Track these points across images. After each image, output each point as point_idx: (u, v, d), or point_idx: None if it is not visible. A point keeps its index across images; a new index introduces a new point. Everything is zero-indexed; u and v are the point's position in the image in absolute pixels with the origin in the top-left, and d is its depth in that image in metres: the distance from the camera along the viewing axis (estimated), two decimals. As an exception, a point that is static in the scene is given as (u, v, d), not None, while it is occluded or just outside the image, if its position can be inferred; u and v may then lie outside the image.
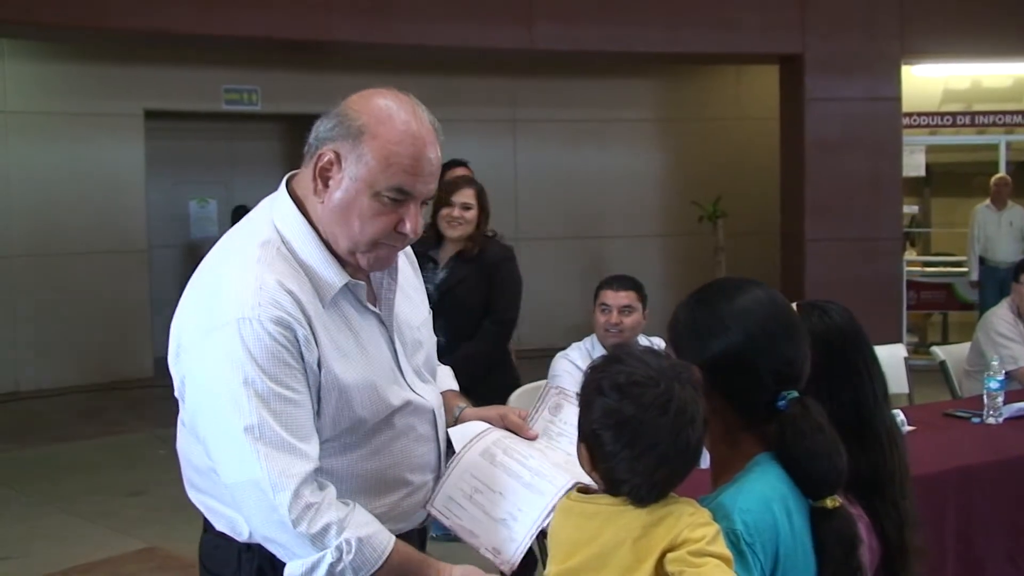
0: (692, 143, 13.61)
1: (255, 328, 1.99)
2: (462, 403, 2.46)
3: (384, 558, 2.01)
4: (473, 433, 2.31)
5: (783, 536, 1.77)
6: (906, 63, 11.56)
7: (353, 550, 1.99)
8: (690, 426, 1.75)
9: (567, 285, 12.63)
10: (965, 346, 6.07)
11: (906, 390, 5.74)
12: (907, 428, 3.93)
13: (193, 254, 13.64)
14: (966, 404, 4.94)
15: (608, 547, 1.76)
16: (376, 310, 2.23)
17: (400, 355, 2.25)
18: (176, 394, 2.18)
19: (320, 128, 2.15)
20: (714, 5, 11.05)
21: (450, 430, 2.36)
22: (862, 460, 2.18)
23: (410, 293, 2.37)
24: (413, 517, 2.27)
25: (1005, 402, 4.55)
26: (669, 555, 1.70)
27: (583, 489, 1.89)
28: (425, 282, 2.61)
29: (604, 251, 13.26)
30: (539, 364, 5.37)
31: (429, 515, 2.28)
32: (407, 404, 2.23)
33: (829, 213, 11.10)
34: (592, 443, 1.80)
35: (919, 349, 10.74)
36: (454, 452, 2.30)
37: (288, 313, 2.02)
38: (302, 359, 2.03)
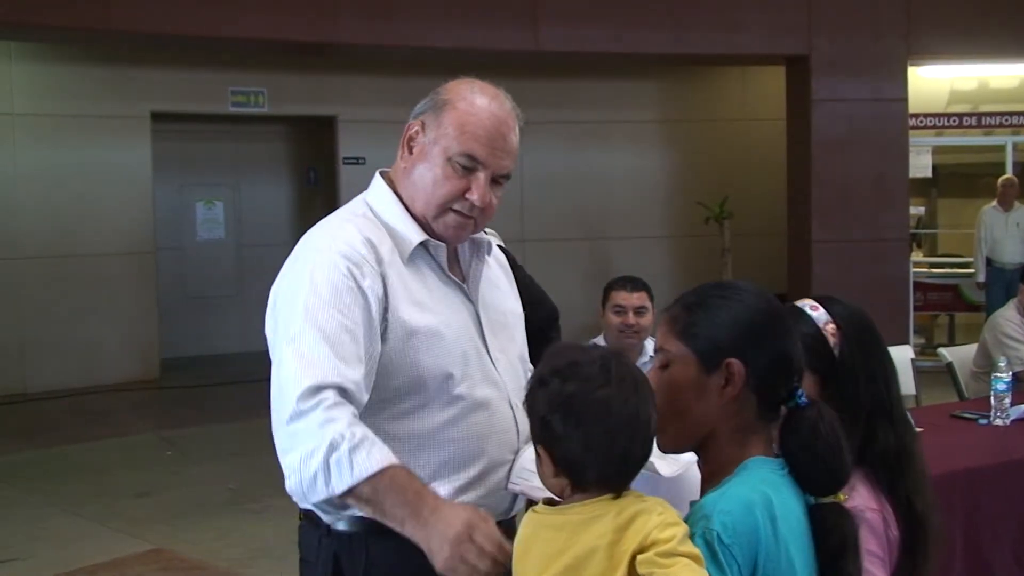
0: (698, 144, 13.61)
1: (323, 259, 2.15)
2: None
3: (381, 466, 1.97)
4: None
5: (764, 542, 1.74)
6: (912, 64, 11.55)
7: (356, 442, 1.97)
8: (635, 393, 1.75)
9: (573, 287, 12.61)
10: (972, 347, 6.06)
11: (913, 391, 5.73)
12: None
13: (200, 256, 13.67)
14: (973, 405, 4.93)
15: (581, 557, 1.74)
16: (459, 281, 2.34)
17: (485, 328, 2.33)
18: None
19: (416, 109, 2.35)
20: (720, 6, 11.05)
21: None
22: (891, 435, 2.29)
23: (499, 284, 2.48)
24: (497, 500, 2.28)
25: (1012, 403, 4.55)
26: (639, 557, 1.69)
27: (548, 501, 1.84)
28: None
29: (610, 253, 13.26)
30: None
31: (515, 504, 2.32)
32: (488, 376, 2.29)
33: (835, 214, 11.09)
34: (546, 437, 1.78)
35: (926, 350, 10.73)
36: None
37: (358, 252, 2.16)
38: (365, 296, 2.13)
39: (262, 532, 6.20)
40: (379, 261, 2.18)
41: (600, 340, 4.79)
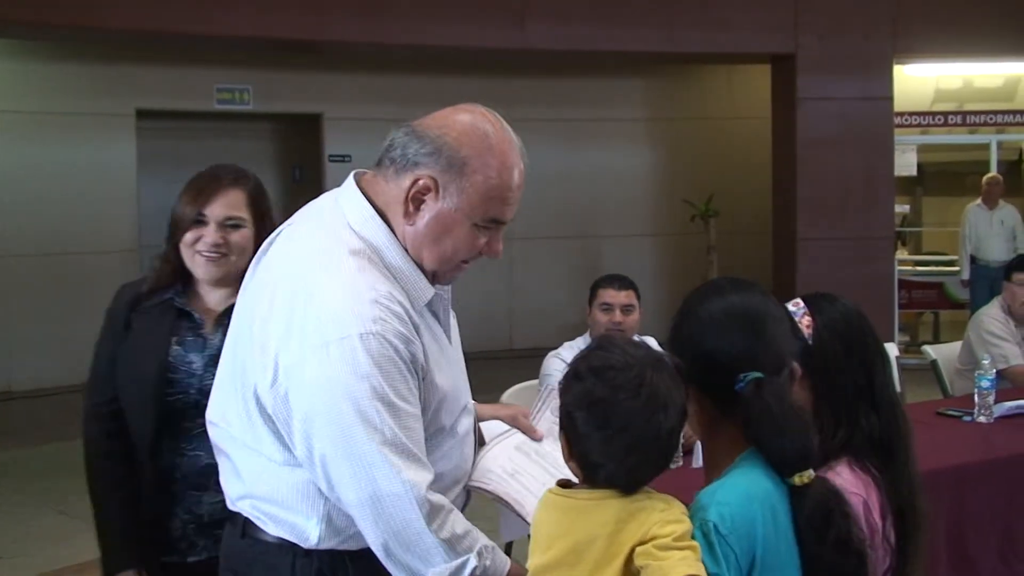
0: (684, 142, 13.62)
1: (380, 343, 1.98)
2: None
3: (507, 567, 2.09)
4: (500, 431, 2.44)
5: (763, 534, 1.78)
6: (898, 63, 11.58)
7: (491, 557, 2.05)
8: (662, 412, 1.79)
9: (559, 284, 12.65)
10: (956, 345, 6.09)
11: (898, 389, 5.74)
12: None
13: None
14: (958, 403, 4.96)
15: (582, 541, 1.79)
16: (443, 328, 2.27)
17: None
18: (227, 412, 2.20)
19: (410, 149, 2.13)
20: (707, 5, 11.06)
21: (480, 424, 2.45)
22: (875, 422, 2.37)
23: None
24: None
25: (996, 401, 4.57)
26: (637, 549, 1.74)
27: (563, 483, 1.90)
28: (185, 357, 2.80)
29: (596, 250, 13.27)
30: (531, 363, 5.38)
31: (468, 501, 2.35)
32: (468, 407, 2.31)
33: (821, 212, 11.12)
34: (567, 426, 1.84)
35: (910, 348, 10.78)
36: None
37: (406, 328, 2.03)
38: (416, 374, 2.05)
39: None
40: (416, 330, 2.06)
41: (586, 337, 4.81)
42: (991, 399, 4.54)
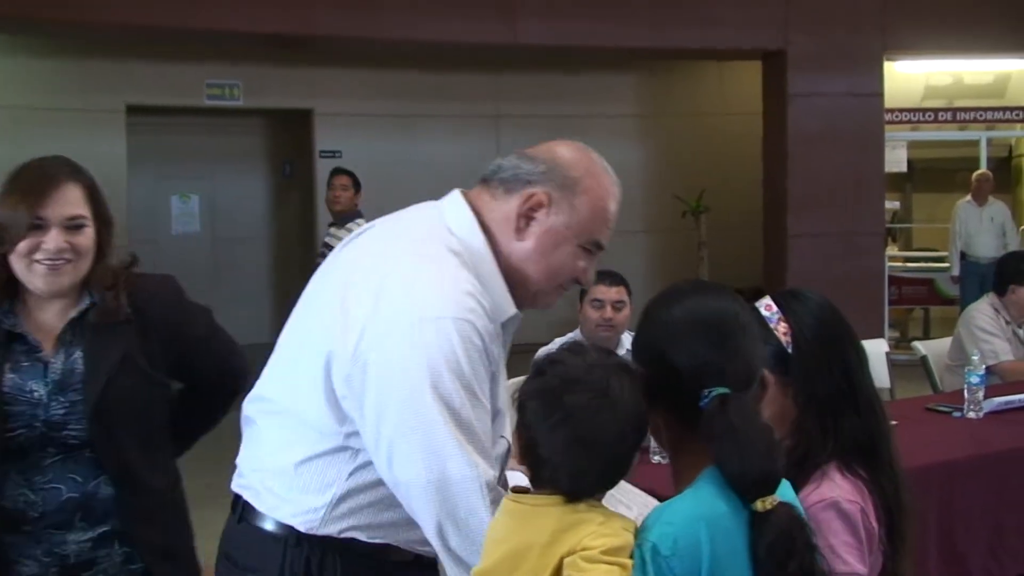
0: (675, 138, 13.63)
1: (472, 331, 1.99)
2: None
3: None
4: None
5: (710, 558, 1.69)
6: (888, 59, 11.60)
7: None
8: (609, 411, 1.74)
9: (550, 280, 12.64)
10: (946, 341, 6.09)
11: (888, 385, 5.75)
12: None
13: (175, 249, 13.60)
14: (947, 399, 4.96)
15: (520, 550, 1.74)
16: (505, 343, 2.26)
17: None
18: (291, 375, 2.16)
19: (522, 169, 2.19)
20: (697, 2, 11.06)
21: None
22: (858, 424, 2.31)
23: None
24: None
25: (986, 396, 4.57)
26: (565, 560, 1.69)
27: (519, 489, 1.84)
28: (23, 386, 2.45)
29: (587, 246, 13.26)
30: (522, 360, 5.35)
31: None
32: (505, 436, 2.26)
33: (811, 208, 11.13)
34: (519, 418, 1.80)
35: (900, 344, 10.78)
36: None
37: (491, 328, 2.05)
38: (491, 375, 2.07)
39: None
40: (492, 338, 2.07)
41: (577, 333, 4.80)
42: (980, 395, 4.54)
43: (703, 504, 1.73)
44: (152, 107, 12.16)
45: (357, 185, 8.11)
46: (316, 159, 12.60)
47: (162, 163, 13.42)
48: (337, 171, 8.47)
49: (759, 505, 1.71)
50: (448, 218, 2.18)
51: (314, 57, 12.18)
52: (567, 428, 1.73)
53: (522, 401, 1.80)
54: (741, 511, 1.72)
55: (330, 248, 7.50)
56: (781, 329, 2.37)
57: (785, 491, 1.83)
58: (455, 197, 2.24)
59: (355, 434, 2.07)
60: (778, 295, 2.45)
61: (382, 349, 1.99)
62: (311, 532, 2.12)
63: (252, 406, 2.29)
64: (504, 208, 2.18)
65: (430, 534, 2.01)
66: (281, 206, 13.88)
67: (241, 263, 13.77)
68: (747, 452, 1.71)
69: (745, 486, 1.72)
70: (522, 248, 2.16)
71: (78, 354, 2.47)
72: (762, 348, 1.95)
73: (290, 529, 2.14)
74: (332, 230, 7.95)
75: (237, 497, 2.27)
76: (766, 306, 2.42)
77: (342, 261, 2.23)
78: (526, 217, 2.16)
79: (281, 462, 2.16)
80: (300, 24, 10.14)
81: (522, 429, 1.80)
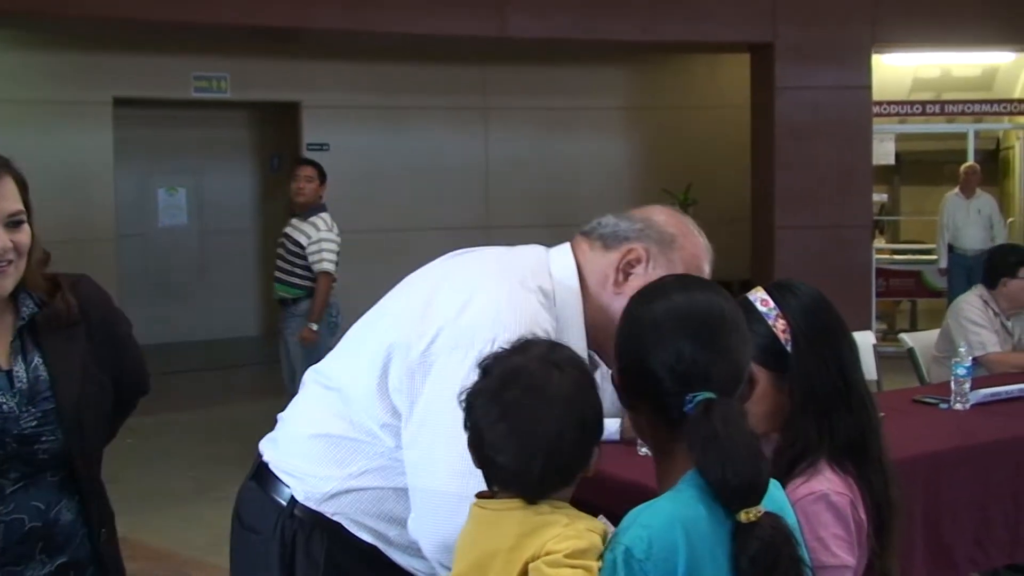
0: (663, 131, 13.63)
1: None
2: None
3: None
4: None
5: (686, 562, 1.64)
6: (877, 52, 11.61)
7: None
8: (547, 405, 1.71)
9: (539, 273, 12.63)
10: (933, 333, 6.10)
11: (875, 377, 5.76)
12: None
13: (162, 243, 13.57)
14: (934, 390, 4.97)
15: (485, 556, 1.72)
16: None
17: None
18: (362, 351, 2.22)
19: (621, 226, 2.32)
20: (685, -6, 11.07)
21: None
22: (851, 422, 2.29)
23: None
24: None
25: (973, 388, 4.58)
26: (530, 565, 1.67)
27: (484, 495, 1.81)
28: None
29: (576, 239, 13.27)
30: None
31: None
32: None
33: (799, 201, 11.14)
34: (465, 417, 1.78)
35: (888, 336, 10.83)
36: None
37: None
38: None
39: (226, 520, 6.15)
40: None
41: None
42: (967, 386, 4.55)
43: (682, 507, 1.68)
44: (139, 100, 12.11)
45: (323, 177, 7.67)
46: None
47: (149, 156, 13.37)
48: (301, 161, 8.16)
49: (743, 516, 1.65)
50: (553, 262, 2.29)
51: (302, 50, 12.15)
52: (506, 425, 1.71)
53: (468, 401, 1.77)
54: (725, 519, 1.67)
55: (290, 239, 7.47)
56: (779, 327, 2.33)
57: (774, 493, 1.79)
58: (565, 247, 2.34)
59: (388, 426, 2.14)
60: (772, 288, 2.42)
61: (450, 358, 2.06)
62: (307, 504, 2.22)
63: (311, 375, 2.40)
64: (602, 262, 2.29)
65: (429, 548, 2.06)
66: (268, 199, 13.84)
67: (228, 256, 13.75)
68: (730, 462, 1.65)
69: (728, 496, 1.66)
70: (617, 300, 2.18)
71: (37, 361, 2.25)
72: (751, 345, 1.86)
73: (291, 498, 2.25)
74: (295, 221, 7.55)
75: (259, 455, 2.40)
76: (762, 301, 2.38)
77: (443, 267, 2.34)
78: (624, 272, 2.26)
79: (308, 430, 2.28)
80: (289, 17, 10.11)
81: (469, 430, 1.77)
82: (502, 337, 1.97)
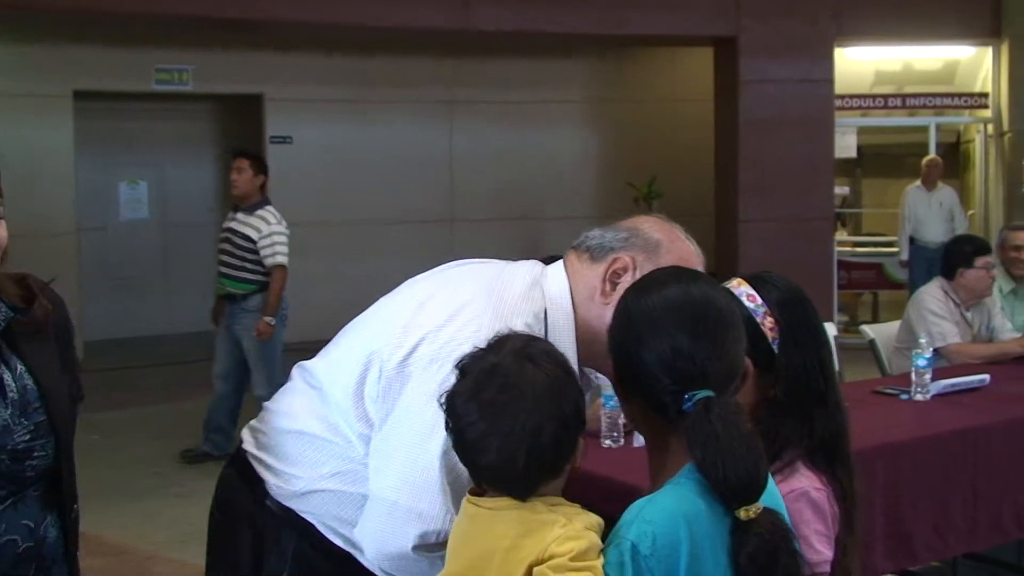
0: (627, 124, 13.65)
1: None
2: None
3: None
4: None
5: (688, 558, 1.64)
6: (839, 45, 11.68)
7: None
8: (521, 401, 1.70)
9: (503, 266, 12.62)
10: (895, 325, 6.14)
11: (837, 368, 5.79)
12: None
13: (123, 236, 13.46)
14: (895, 381, 5.00)
15: (481, 556, 1.71)
16: None
17: None
18: (347, 367, 2.22)
19: (607, 237, 2.32)
20: (650, -13, 11.09)
21: None
22: (828, 421, 2.30)
23: None
24: None
25: (933, 379, 4.62)
26: (535, 570, 1.66)
27: (477, 492, 1.80)
28: None
29: (540, 233, 13.27)
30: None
31: None
32: None
33: (762, 193, 11.21)
34: (446, 419, 1.79)
35: (849, 328, 10.88)
36: None
37: None
38: None
39: (188, 516, 6.13)
40: None
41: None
42: (928, 377, 4.58)
43: (684, 502, 1.68)
44: (100, 92, 12.01)
45: (260, 169, 7.52)
46: (267, 145, 12.50)
47: (110, 149, 13.26)
48: (235, 153, 7.93)
49: (742, 514, 1.66)
50: (547, 282, 2.29)
51: (264, 42, 12.08)
52: (485, 424, 1.71)
53: (448, 404, 1.77)
54: (724, 515, 1.67)
55: (237, 234, 7.40)
56: (768, 324, 2.32)
57: (771, 489, 1.80)
58: (559, 265, 2.35)
59: (363, 436, 2.17)
60: (752, 281, 2.40)
61: (426, 372, 2.07)
62: (278, 499, 2.26)
63: (298, 371, 2.41)
64: (589, 274, 2.29)
65: (370, 553, 2.12)
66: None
67: (190, 250, 13.64)
68: (730, 461, 1.65)
69: (728, 494, 1.66)
70: (605, 310, 2.18)
71: (21, 369, 2.07)
72: (745, 340, 1.85)
73: (264, 491, 2.28)
74: (239, 216, 7.43)
75: (240, 441, 2.43)
76: (748, 296, 2.35)
77: (440, 277, 2.35)
78: (611, 282, 2.25)
79: (287, 425, 2.30)
80: (251, 8, 10.07)
81: (451, 432, 1.78)
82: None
